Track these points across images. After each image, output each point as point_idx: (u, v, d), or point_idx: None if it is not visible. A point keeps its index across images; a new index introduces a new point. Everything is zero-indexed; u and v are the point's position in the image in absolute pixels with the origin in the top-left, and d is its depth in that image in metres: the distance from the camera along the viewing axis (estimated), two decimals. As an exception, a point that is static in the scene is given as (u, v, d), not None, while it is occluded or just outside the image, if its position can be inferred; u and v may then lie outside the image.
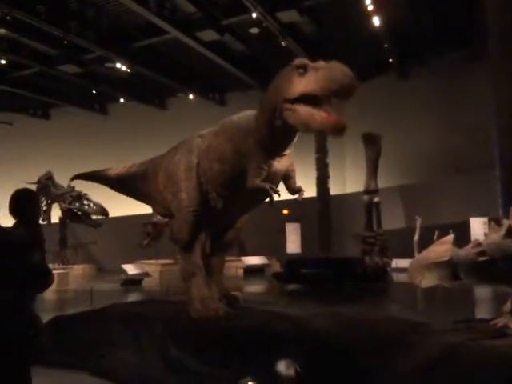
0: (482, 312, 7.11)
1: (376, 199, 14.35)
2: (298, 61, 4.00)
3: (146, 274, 13.85)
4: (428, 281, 3.99)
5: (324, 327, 4.35)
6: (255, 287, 13.06)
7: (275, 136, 4.36)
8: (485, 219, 15.15)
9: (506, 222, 3.94)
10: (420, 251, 14.22)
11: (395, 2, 13.64)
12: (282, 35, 14.93)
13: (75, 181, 7.14)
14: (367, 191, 14.13)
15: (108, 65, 17.81)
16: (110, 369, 4.44)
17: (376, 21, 13.99)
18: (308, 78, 3.86)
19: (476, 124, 16.18)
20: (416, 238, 15.83)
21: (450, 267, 3.82)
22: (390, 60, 17.43)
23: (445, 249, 3.96)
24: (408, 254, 15.30)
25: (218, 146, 4.84)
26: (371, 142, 13.86)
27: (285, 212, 19.20)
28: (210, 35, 15.16)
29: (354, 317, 4.84)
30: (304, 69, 3.93)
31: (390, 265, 14.47)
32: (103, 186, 6.80)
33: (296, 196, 4.77)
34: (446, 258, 3.84)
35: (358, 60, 19.25)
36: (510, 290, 4.11)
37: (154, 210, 6.15)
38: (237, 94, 22.42)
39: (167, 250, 16.20)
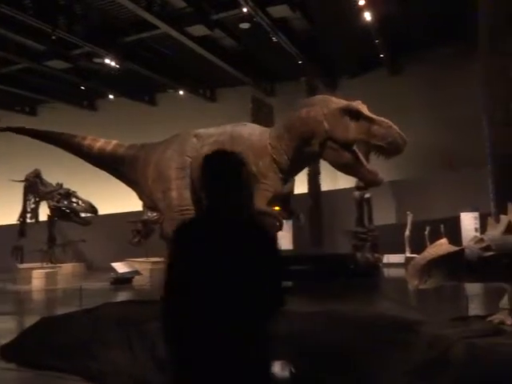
0: (475, 308, 7.08)
1: (367, 195, 14.35)
2: (353, 106, 4.21)
3: (136, 273, 13.70)
4: (435, 279, 3.84)
5: (320, 326, 4.28)
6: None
7: (297, 161, 4.47)
8: (475, 214, 15.22)
9: (504, 218, 3.91)
10: (411, 246, 14.21)
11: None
12: (273, 30, 14.81)
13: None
14: (358, 187, 14.11)
15: (97, 60, 17.58)
16: (101, 371, 4.32)
17: (367, 16, 13.92)
18: (364, 128, 4.30)
19: (467, 119, 16.20)
20: (407, 233, 15.96)
21: (460, 260, 3.71)
22: (382, 55, 17.38)
23: (445, 247, 3.90)
24: (399, 249, 15.29)
25: None
26: (362, 138, 13.83)
27: (276, 208, 19.11)
28: (200, 30, 14.99)
29: (349, 315, 4.77)
30: (357, 116, 4.16)
31: (381, 260, 14.47)
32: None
33: (300, 223, 4.95)
34: (459, 248, 3.74)
35: (349, 55, 19.29)
36: (507, 286, 4.07)
37: (139, 197, 6.02)
38: (227, 89, 22.28)
39: (157, 247, 16.09)
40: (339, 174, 19.46)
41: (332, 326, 4.30)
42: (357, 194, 14.38)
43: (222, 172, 2.04)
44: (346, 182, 19.21)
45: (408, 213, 16.35)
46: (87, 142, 6.00)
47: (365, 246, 13.86)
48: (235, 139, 4.80)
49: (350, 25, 14.70)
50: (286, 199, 4.89)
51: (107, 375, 4.22)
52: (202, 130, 5.26)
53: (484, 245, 3.76)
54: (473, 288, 9.86)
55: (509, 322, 3.99)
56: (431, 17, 15.63)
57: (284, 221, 17.16)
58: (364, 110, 4.25)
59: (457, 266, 3.77)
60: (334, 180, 21.35)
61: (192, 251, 1.99)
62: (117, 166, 5.91)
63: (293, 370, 3.47)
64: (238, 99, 20.75)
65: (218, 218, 2.04)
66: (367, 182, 4.27)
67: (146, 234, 15.13)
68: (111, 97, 22.91)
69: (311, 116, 4.37)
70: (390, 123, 4.15)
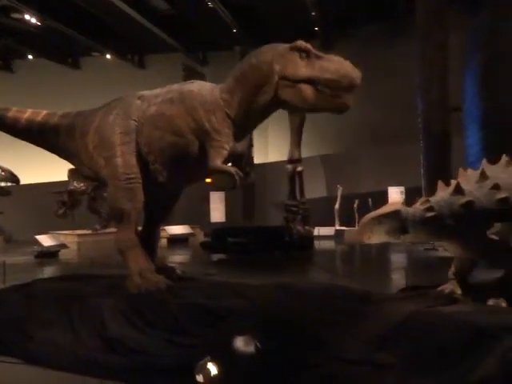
0: (401, 278, 7.35)
1: (299, 168, 14.42)
2: (301, 43, 3.97)
3: (63, 246, 12.98)
4: (377, 236, 3.98)
5: (277, 299, 4.19)
6: (180, 257, 12.74)
7: (253, 113, 4.20)
8: (402, 188, 15.89)
9: (453, 182, 4.00)
10: (341, 219, 14.68)
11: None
12: (209, -5, 14.29)
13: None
14: (291, 160, 14.14)
15: (15, 16, 16.08)
16: (40, 353, 3.95)
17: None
18: (314, 65, 3.90)
19: (397, 96, 16.72)
20: (337, 206, 16.45)
21: (400, 219, 3.84)
22: (316, 28, 17.39)
23: (395, 205, 3.99)
24: (329, 221, 15.65)
25: (174, 116, 4.47)
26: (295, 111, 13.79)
27: (208, 180, 18.85)
28: (131, -10, 14.15)
29: (301, 287, 4.71)
30: (307, 53, 3.94)
31: (312, 233, 14.76)
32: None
33: (248, 178, 4.74)
34: (396, 208, 3.87)
35: (284, 26, 19.10)
36: (450, 247, 4.19)
37: (78, 169, 5.54)
38: (157, 56, 21.44)
39: (84, 219, 15.33)
40: (270, 146, 19.52)
41: (288, 299, 4.23)
42: (289, 167, 14.38)
43: None
44: (277, 155, 19.32)
45: (338, 186, 16.77)
46: (11, 114, 5.35)
47: (296, 219, 13.98)
48: (185, 95, 4.49)
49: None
50: (240, 158, 4.65)
51: (49, 356, 3.87)
52: (146, 92, 4.92)
53: (427, 206, 3.85)
54: (400, 259, 10.31)
55: (459, 291, 4.10)
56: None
57: (219, 192, 16.89)
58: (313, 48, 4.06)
59: (393, 224, 3.87)
60: (265, 153, 21.43)
61: None
62: (49, 137, 5.37)
63: (258, 345, 3.37)
64: (169, 66, 20.05)
65: None
66: (338, 108, 4.00)
67: (72, 206, 14.33)
68: (30, 57, 21.23)
69: (261, 60, 4.12)
70: (341, 58, 3.97)
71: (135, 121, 4.69)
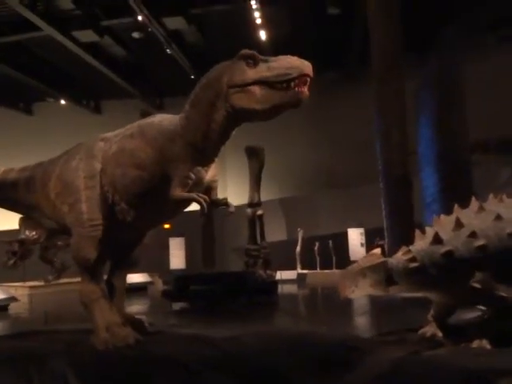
0: (371, 320, 7.27)
1: (259, 212, 14.38)
2: (246, 51, 3.79)
3: (13, 299, 12.16)
4: (361, 289, 3.90)
5: (254, 350, 3.97)
6: (140, 307, 12.20)
7: (212, 134, 3.99)
8: (361, 230, 16.09)
9: (430, 230, 3.98)
10: (302, 262, 14.65)
11: (282, 18, 13.95)
12: (167, 42, 14.39)
13: None
14: (250, 204, 14.10)
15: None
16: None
17: (262, 35, 14.15)
18: (261, 68, 3.70)
19: (353, 141, 17.18)
20: (298, 249, 16.38)
21: (385, 271, 3.76)
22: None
23: (377, 257, 3.91)
24: (291, 265, 15.49)
25: (135, 150, 4.23)
26: (254, 155, 13.88)
27: (166, 226, 18.45)
28: (88, 36, 14.04)
29: (277, 336, 4.53)
30: (253, 60, 3.75)
31: (274, 277, 14.58)
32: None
33: (230, 209, 4.42)
34: (381, 260, 3.80)
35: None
36: (433, 296, 4.14)
37: (41, 223, 5.26)
38: (113, 101, 21.26)
39: (36, 270, 14.53)
40: (229, 190, 19.43)
41: (266, 349, 4.02)
42: (249, 210, 14.34)
43: None
44: (236, 199, 19.24)
45: (299, 229, 16.80)
46: None
47: (257, 263, 13.81)
48: (144, 127, 4.31)
49: (243, 42, 14.79)
50: (210, 187, 4.42)
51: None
52: (108, 134, 4.74)
53: (410, 256, 3.81)
54: (363, 301, 10.24)
55: (440, 334, 4.03)
56: (319, 42, 16.39)
57: (179, 238, 16.39)
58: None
59: (379, 277, 3.79)
60: (224, 197, 21.27)
61: None
62: (8, 193, 5.12)
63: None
64: (125, 112, 19.85)
65: None
66: (295, 99, 3.76)
67: (24, 256, 13.53)
68: (-21, 103, 20.59)
69: (210, 78, 3.99)
70: (288, 55, 3.86)
71: (99, 163, 4.48)
